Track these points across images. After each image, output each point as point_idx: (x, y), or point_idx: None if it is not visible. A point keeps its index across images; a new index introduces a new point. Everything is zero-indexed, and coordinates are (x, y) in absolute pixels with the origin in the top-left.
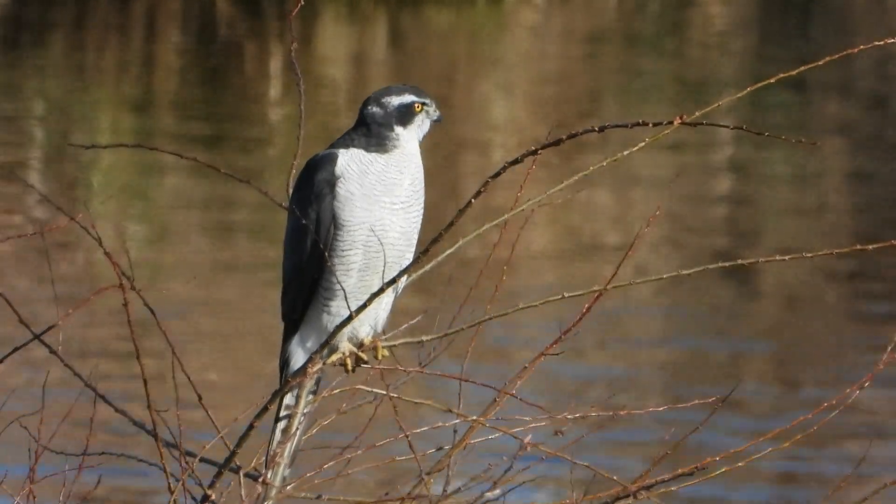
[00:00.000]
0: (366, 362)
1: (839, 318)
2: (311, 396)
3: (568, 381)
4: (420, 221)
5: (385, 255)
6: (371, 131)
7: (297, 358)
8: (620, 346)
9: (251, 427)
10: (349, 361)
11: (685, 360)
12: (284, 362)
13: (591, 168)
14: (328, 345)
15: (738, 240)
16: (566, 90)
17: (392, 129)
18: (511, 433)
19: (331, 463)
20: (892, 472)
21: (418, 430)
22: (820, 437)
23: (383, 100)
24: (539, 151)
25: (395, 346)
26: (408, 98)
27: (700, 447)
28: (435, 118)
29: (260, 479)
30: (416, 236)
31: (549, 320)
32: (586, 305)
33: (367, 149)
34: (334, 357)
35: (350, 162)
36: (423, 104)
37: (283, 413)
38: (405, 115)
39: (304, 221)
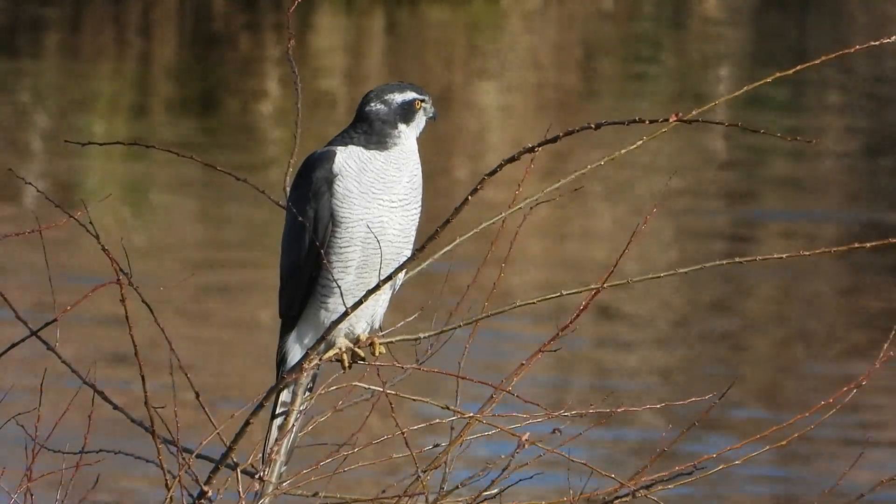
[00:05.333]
0: (363, 359)
1: (838, 314)
2: (307, 393)
3: (566, 380)
4: (418, 218)
5: (382, 253)
6: (373, 128)
7: (294, 354)
8: (619, 343)
9: (247, 423)
10: (346, 358)
11: (684, 359)
12: (281, 359)
13: (588, 167)
14: (324, 341)
15: (737, 236)
16: (563, 87)
17: (395, 127)
18: (508, 430)
19: (327, 460)
20: (891, 470)
21: (415, 427)
22: (818, 434)
23: (387, 97)
24: (536, 149)
25: (392, 342)
26: (410, 95)
27: (699, 446)
28: (431, 115)
29: (256, 476)
30: (413, 233)
31: (546, 318)
32: (583, 303)
33: (367, 146)
34: (331, 353)
35: (348, 159)
36: (423, 101)
37: (279, 410)
38: (408, 112)
39: (301, 219)
